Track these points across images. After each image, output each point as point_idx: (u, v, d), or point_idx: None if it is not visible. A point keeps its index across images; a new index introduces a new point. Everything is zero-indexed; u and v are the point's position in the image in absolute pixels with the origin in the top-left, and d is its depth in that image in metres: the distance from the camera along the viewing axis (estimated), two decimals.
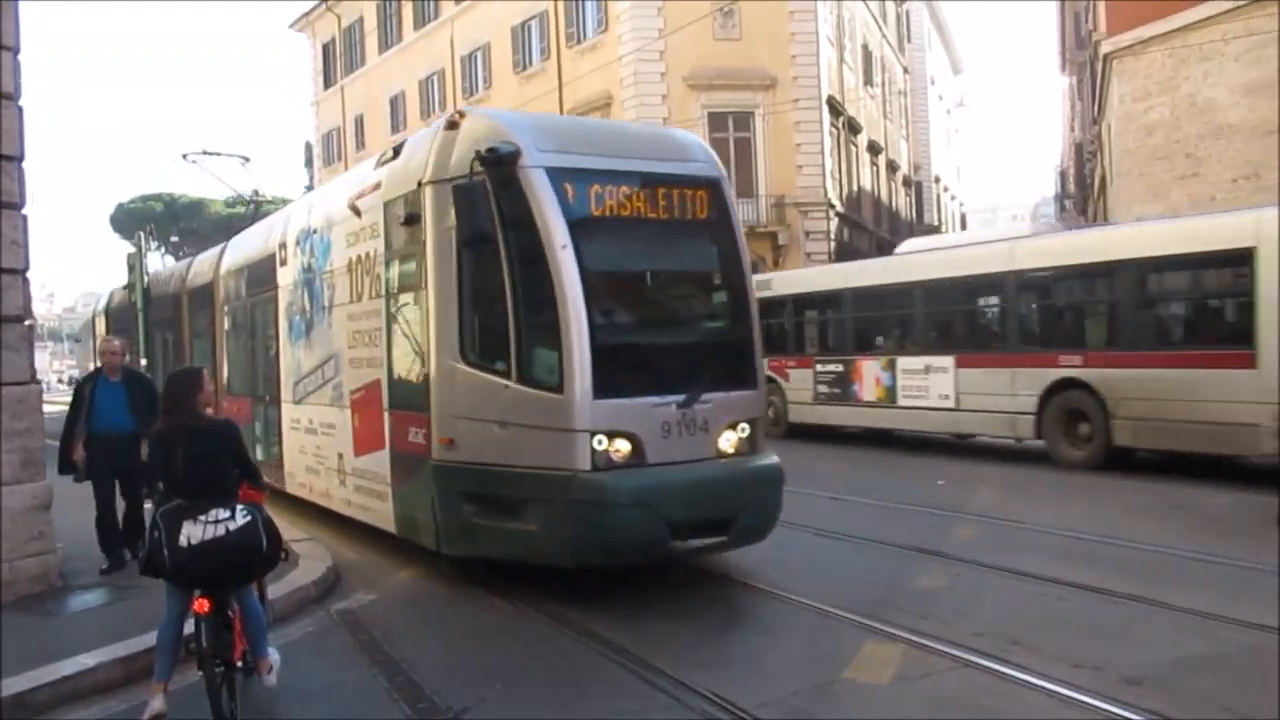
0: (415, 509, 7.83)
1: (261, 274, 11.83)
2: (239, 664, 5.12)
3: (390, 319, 8.24)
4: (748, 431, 7.31)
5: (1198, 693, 5.05)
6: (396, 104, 40.32)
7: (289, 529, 7.83)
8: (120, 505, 8.23)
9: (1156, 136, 23.90)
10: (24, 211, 7.42)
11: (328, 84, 46.47)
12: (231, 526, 4.82)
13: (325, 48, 46.40)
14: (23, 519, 7.22)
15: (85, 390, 8.16)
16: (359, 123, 43.66)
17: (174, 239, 55.67)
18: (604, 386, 6.63)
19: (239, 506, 4.93)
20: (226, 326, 13.71)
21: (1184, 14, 22.73)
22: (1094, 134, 36.34)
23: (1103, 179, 33.97)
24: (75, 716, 5.27)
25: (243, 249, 13.19)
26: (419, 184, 7.60)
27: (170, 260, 44.13)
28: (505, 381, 6.90)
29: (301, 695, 5.45)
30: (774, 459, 7.48)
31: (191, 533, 4.76)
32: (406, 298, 7.94)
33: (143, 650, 5.66)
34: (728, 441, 7.17)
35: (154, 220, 50.92)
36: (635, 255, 7.52)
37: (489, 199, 6.82)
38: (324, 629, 6.80)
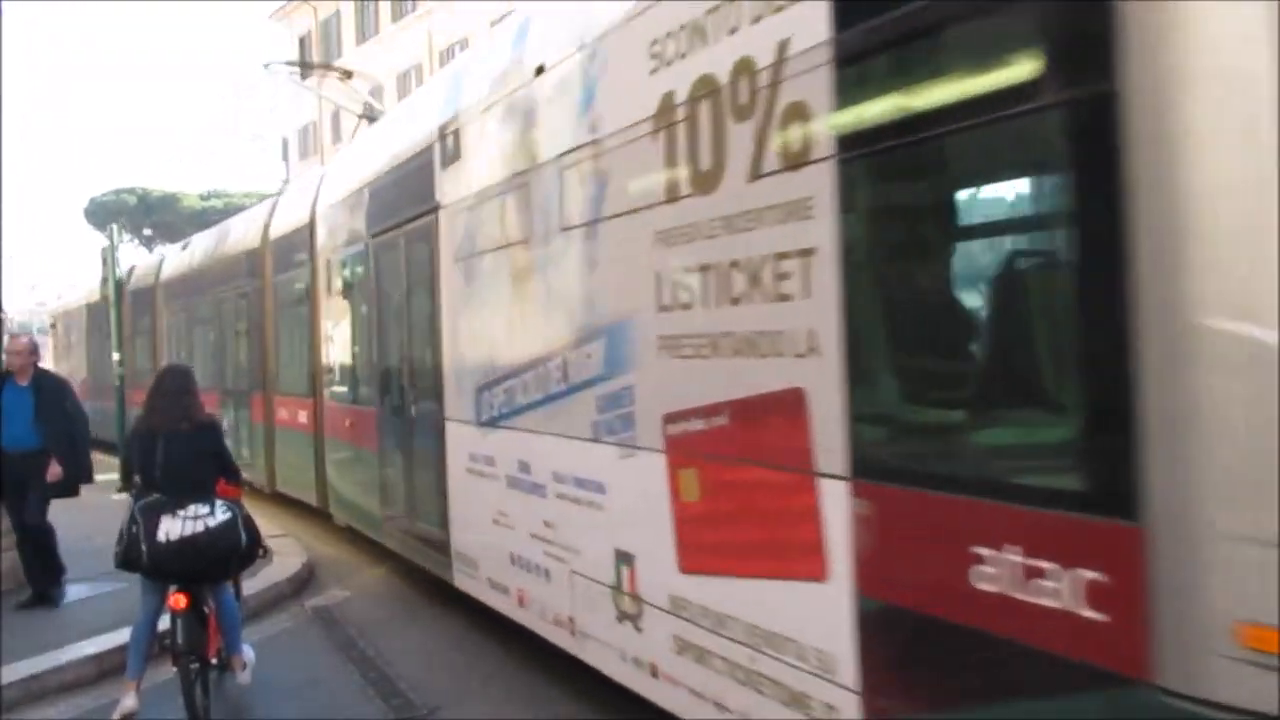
0: None
1: (400, 192, 7.06)
2: (213, 660, 5.12)
3: (858, 223, 3.13)
4: None
5: None
6: (374, 98, 40.12)
7: (263, 525, 7.73)
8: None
9: None
10: None
11: (304, 77, 46.21)
12: (211, 523, 4.80)
13: (302, 40, 46.09)
14: None
15: None
16: (335, 117, 43.39)
17: (147, 232, 55.13)
18: None
19: (218, 503, 4.91)
20: (330, 293, 9.09)
21: None
22: None
23: None
24: (45, 714, 5.23)
25: (360, 162, 8.45)
26: None
27: (144, 253, 43.71)
28: None
29: (276, 691, 5.42)
30: None
31: (170, 528, 4.73)
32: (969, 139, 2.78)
33: (114, 647, 5.64)
34: None
35: (127, 213, 50.38)
36: None
37: None
38: (298, 625, 6.78)
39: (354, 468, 8.44)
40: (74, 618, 6.54)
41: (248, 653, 5.33)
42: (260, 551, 5.15)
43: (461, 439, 6.12)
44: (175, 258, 16.14)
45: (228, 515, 4.88)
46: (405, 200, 6.94)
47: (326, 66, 14.38)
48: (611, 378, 4.36)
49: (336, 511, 9.32)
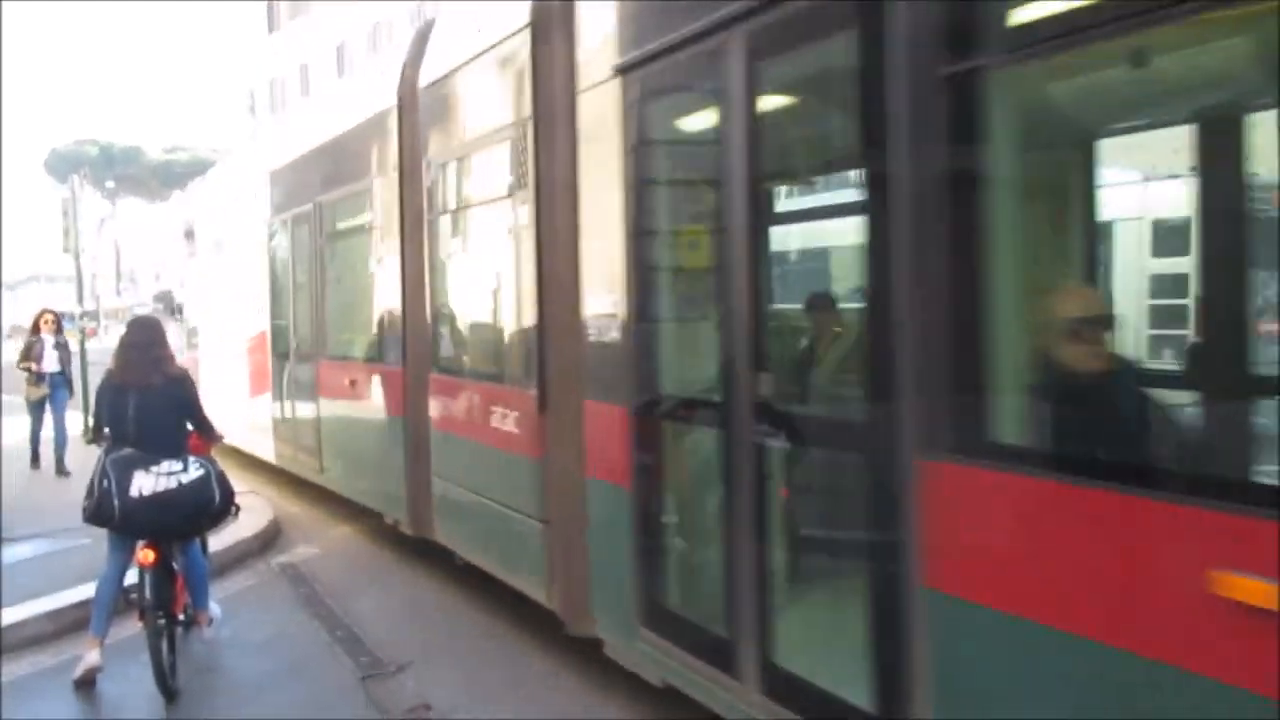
0: None
1: None
2: (179, 617, 5.05)
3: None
4: None
5: None
6: (343, 53, 39.40)
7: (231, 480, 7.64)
8: None
9: None
10: None
11: (271, 29, 45.28)
12: (184, 479, 4.74)
13: None
14: None
15: None
16: (304, 71, 42.63)
17: (109, 185, 54.14)
18: None
19: (192, 460, 4.84)
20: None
21: None
22: None
23: None
24: (6, 670, 5.14)
25: None
26: None
27: (108, 207, 42.82)
28: None
29: (241, 648, 5.39)
30: None
31: (143, 484, 4.66)
32: None
33: (73, 604, 5.57)
34: None
35: (88, 164, 49.42)
36: None
37: None
38: (265, 582, 6.73)
39: None
40: (33, 574, 6.43)
41: (214, 609, 5.29)
42: (233, 509, 5.07)
43: None
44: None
45: (201, 472, 4.82)
46: None
47: None
48: None
49: None
